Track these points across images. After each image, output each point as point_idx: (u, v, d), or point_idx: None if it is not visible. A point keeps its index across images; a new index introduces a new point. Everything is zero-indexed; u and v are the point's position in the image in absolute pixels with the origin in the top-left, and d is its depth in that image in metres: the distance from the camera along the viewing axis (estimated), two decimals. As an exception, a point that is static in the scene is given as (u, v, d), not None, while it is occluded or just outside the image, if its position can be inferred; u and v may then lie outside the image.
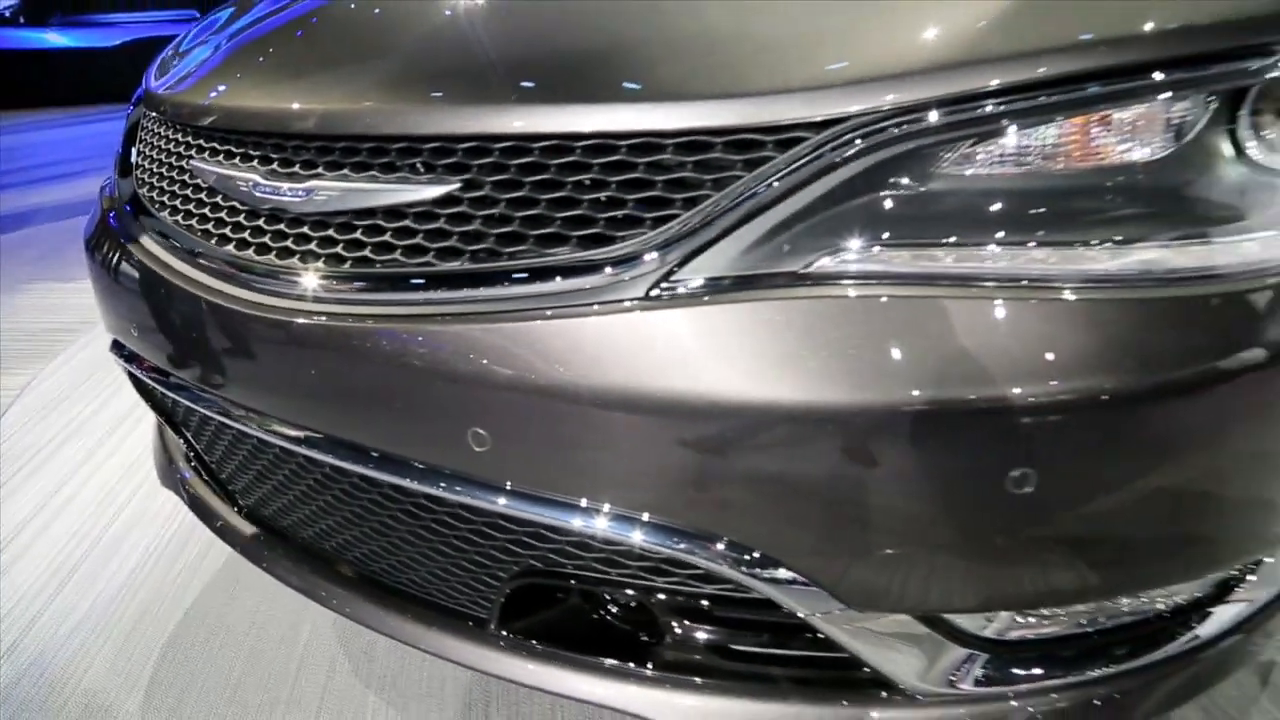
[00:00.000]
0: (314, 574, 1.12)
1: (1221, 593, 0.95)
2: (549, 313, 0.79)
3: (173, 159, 1.14)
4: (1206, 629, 0.94)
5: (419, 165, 0.87)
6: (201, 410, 1.08)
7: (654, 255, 0.78)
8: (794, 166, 0.77)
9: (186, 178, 1.11)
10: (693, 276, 0.78)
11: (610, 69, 0.83)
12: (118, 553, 1.77)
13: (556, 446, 0.80)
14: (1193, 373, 0.75)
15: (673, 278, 0.78)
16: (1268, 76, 0.78)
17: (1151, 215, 0.78)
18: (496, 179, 0.83)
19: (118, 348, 1.29)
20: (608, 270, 0.80)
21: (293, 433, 0.96)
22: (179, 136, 1.13)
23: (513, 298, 0.81)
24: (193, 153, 1.09)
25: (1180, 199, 0.79)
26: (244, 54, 1.14)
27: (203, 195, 1.08)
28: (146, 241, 1.13)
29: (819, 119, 0.76)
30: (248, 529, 1.24)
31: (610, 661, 0.95)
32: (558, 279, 0.80)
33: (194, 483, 1.35)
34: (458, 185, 0.85)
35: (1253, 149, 0.80)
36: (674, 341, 0.76)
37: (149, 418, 2.29)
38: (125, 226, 1.19)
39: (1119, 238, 0.77)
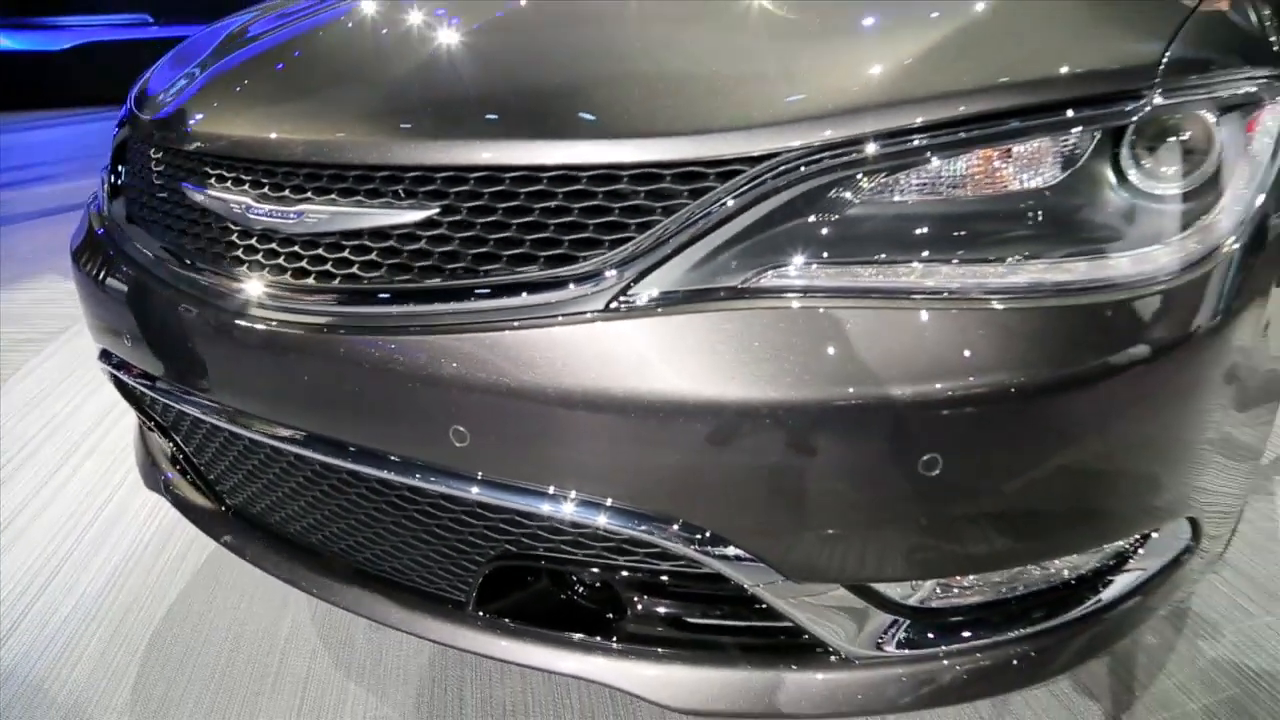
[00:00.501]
0: (301, 566, 1.21)
1: (1119, 563, 1.08)
2: (520, 323, 0.90)
3: (163, 181, 1.22)
4: (1107, 594, 1.07)
5: (401, 192, 0.97)
6: (194, 414, 1.16)
7: (613, 273, 0.89)
8: (733, 195, 0.88)
9: (178, 200, 1.19)
10: (647, 291, 0.89)
11: (572, 108, 0.94)
12: (103, 546, 1.83)
13: (528, 441, 0.90)
14: (1082, 371, 0.88)
15: (629, 292, 0.89)
16: (1139, 116, 0.91)
17: (1046, 235, 0.90)
18: (472, 204, 0.94)
19: (106, 356, 1.37)
20: (571, 286, 0.90)
21: (286, 433, 1.05)
22: (171, 160, 1.21)
23: (487, 310, 0.92)
24: (184, 176, 1.17)
25: (1071, 220, 0.91)
26: (237, 84, 1.23)
27: (195, 216, 1.16)
28: (140, 258, 1.21)
29: (755, 154, 0.88)
30: (235, 526, 1.32)
31: (578, 636, 1.05)
32: (525, 294, 0.91)
33: (179, 483, 1.43)
34: (437, 210, 0.95)
35: (1132, 176, 0.93)
36: (631, 348, 0.87)
37: (125, 420, 2.35)
38: (118, 243, 1.27)
39: (1019, 255, 0.89)
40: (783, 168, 0.88)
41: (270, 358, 1.03)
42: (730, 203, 0.88)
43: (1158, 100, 0.91)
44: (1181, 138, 0.94)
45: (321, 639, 1.58)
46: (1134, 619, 1.08)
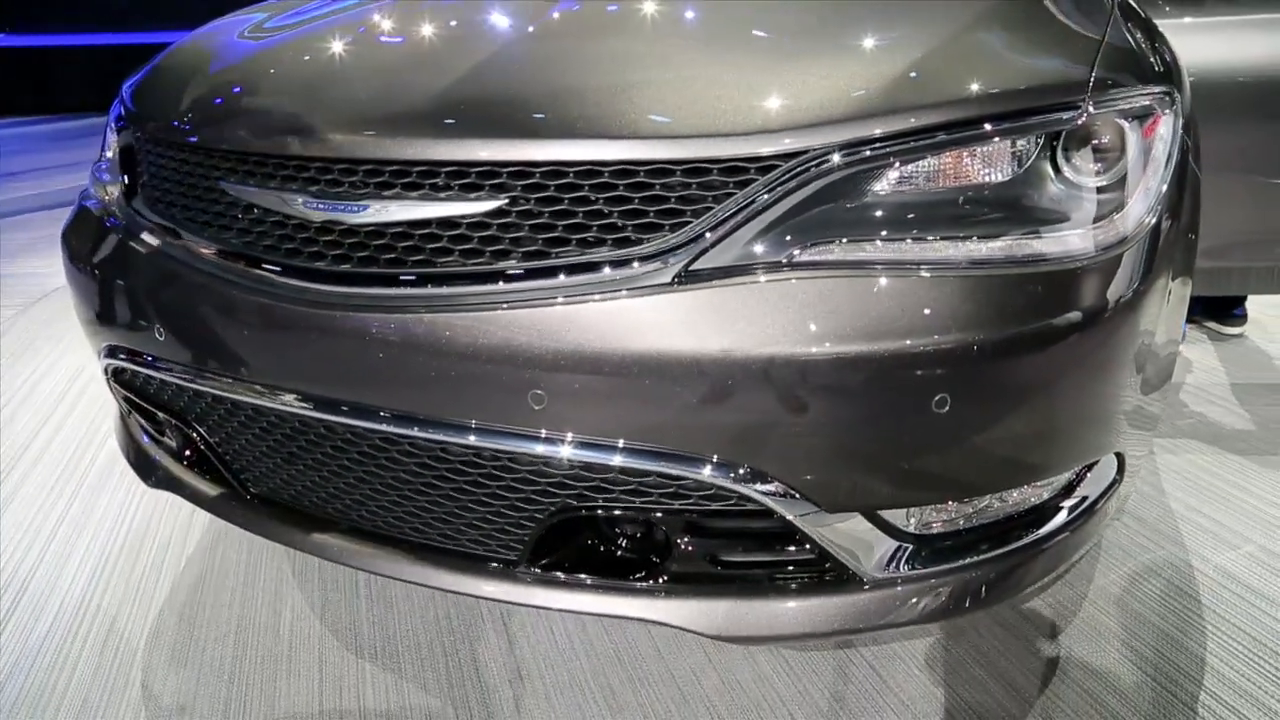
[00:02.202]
0: (354, 543, 1.28)
1: (1067, 491, 1.30)
2: (596, 298, 1.03)
3: (205, 181, 1.28)
4: (1060, 519, 1.28)
5: (489, 184, 1.08)
6: (243, 401, 1.22)
7: (677, 252, 1.05)
8: (770, 186, 1.05)
9: (230, 199, 1.25)
10: (704, 266, 1.04)
11: (632, 110, 1.09)
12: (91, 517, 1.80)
13: (601, 400, 1.03)
14: (1037, 325, 1.08)
15: (690, 267, 1.04)
16: (1074, 124, 1.13)
17: (1006, 218, 1.11)
18: (541, 195, 1.07)
19: (113, 351, 1.39)
20: (639, 264, 1.05)
21: (358, 412, 1.14)
22: (209, 161, 1.27)
23: (565, 286, 1.05)
24: (228, 174, 1.24)
25: (1024, 207, 1.13)
26: (292, 81, 1.30)
27: (249, 214, 1.23)
28: (183, 255, 1.26)
29: (788, 151, 1.05)
30: (262, 509, 1.37)
31: (622, 581, 1.18)
32: (601, 270, 1.05)
33: (187, 476, 1.46)
34: (505, 200, 1.07)
35: (1066, 171, 1.15)
36: (695, 314, 1.02)
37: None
38: (149, 241, 1.31)
39: (986, 233, 1.09)
40: (811, 163, 1.05)
41: (346, 340, 1.11)
42: (768, 193, 1.05)
43: (1090, 110, 1.14)
44: (1103, 141, 1.17)
45: (326, 625, 1.63)
46: (1080, 539, 1.30)
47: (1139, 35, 1.39)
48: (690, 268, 1.04)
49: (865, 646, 1.55)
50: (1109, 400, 1.21)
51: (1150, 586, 1.69)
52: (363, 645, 1.59)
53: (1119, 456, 1.32)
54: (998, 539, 1.24)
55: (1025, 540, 1.24)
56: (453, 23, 1.42)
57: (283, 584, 1.75)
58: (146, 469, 1.55)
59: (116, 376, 1.48)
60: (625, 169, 1.05)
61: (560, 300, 1.04)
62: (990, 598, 1.23)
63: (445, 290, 1.09)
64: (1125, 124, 1.19)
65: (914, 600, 1.19)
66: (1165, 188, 1.23)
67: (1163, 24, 1.58)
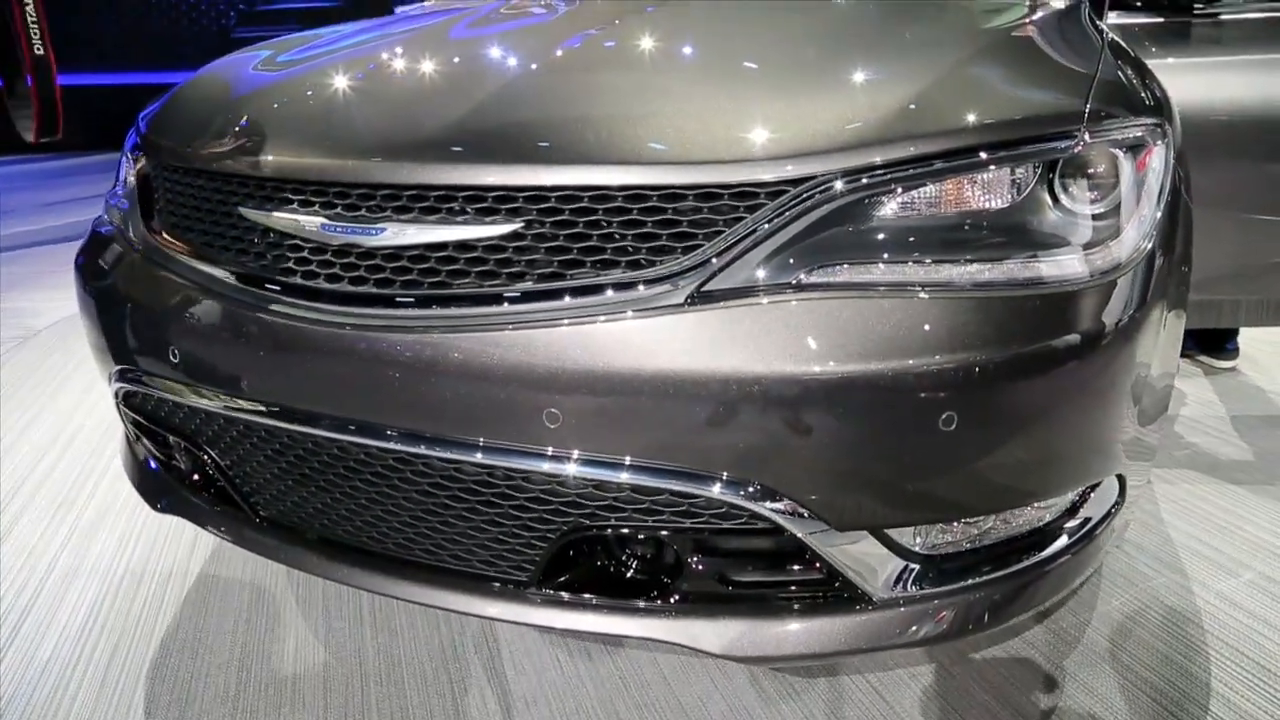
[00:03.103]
0: (363, 564, 1.29)
1: (1070, 513, 1.31)
2: (609, 318, 1.06)
3: (222, 206, 1.31)
4: (1063, 541, 1.30)
5: (505, 208, 1.11)
6: (257, 422, 1.24)
7: (689, 274, 1.07)
8: (779, 211, 1.08)
9: (247, 223, 1.27)
10: (716, 288, 1.07)
11: (644, 136, 1.12)
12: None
13: (615, 419, 1.05)
14: (1038, 345, 1.11)
15: (702, 289, 1.06)
16: (1071, 153, 1.17)
17: (1006, 243, 1.14)
18: (556, 219, 1.10)
19: (127, 376, 1.40)
20: (652, 285, 1.07)
21: (371, 433, 1.15)
22: (226, 186, 1.30)
23: (579, 307, 1.07)
24: (245, 199, 1.27)
25: (1024, 232, 1.16)
26: (314, 108, 1.34)
27: (265, 238, 1.25)
28: (202, 279, 1.29)
29: (796, 177, 1.08)
30: (271, 532, 1.38)
31: (634, 602, 1.19)
32: (613, 292, 1.07)
33: (201, 497, 1.46)
34: (521, 224, 1.10)
35: (1063, 199, 1.19)
36: (707, 334, 1.04)
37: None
38: (168, 266, 1.34)
39: (987, 256, 1.13)
40: (817, 189, 1.08)
41: (359, 362, 1.13)
42: (776, 217, 1.08)
43: (1086, 139, 1.18)
44: (1099, 170, 1.21)
45: (330, 653, 1.62)
46: (1084, 561, 1.32)
47: (1130, 71, 1.44)
48: (702, 289, 1.07)
49: (870, 671, 1.55)
50: (1109, 421, 1.23)
51: (1152, 612, 1.70)
52: (368, 673, 1.58)
53: (1120, 479, 1.34)
54: (1003, 560, 1.26)
55: (1031, 561, 1.25)
56: (467, 55, 1.46)
57: (286, 612, 1.74)
58: (153, 493, 1.56)
59: (126, 400, 1.49)
60: (638, 193, 1.08)
61: (574, 321, 1.06)
62: (997, 618, 1.24)
63: (460, 311, 1.11)
64: (1119, 154, 1.23)
65: (921, 620, 1.20)
66: (1159, 216, 1.27)
67: (1150, 64, 1.64)
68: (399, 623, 1.70)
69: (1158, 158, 1.30)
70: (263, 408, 1.23)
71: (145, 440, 1.56)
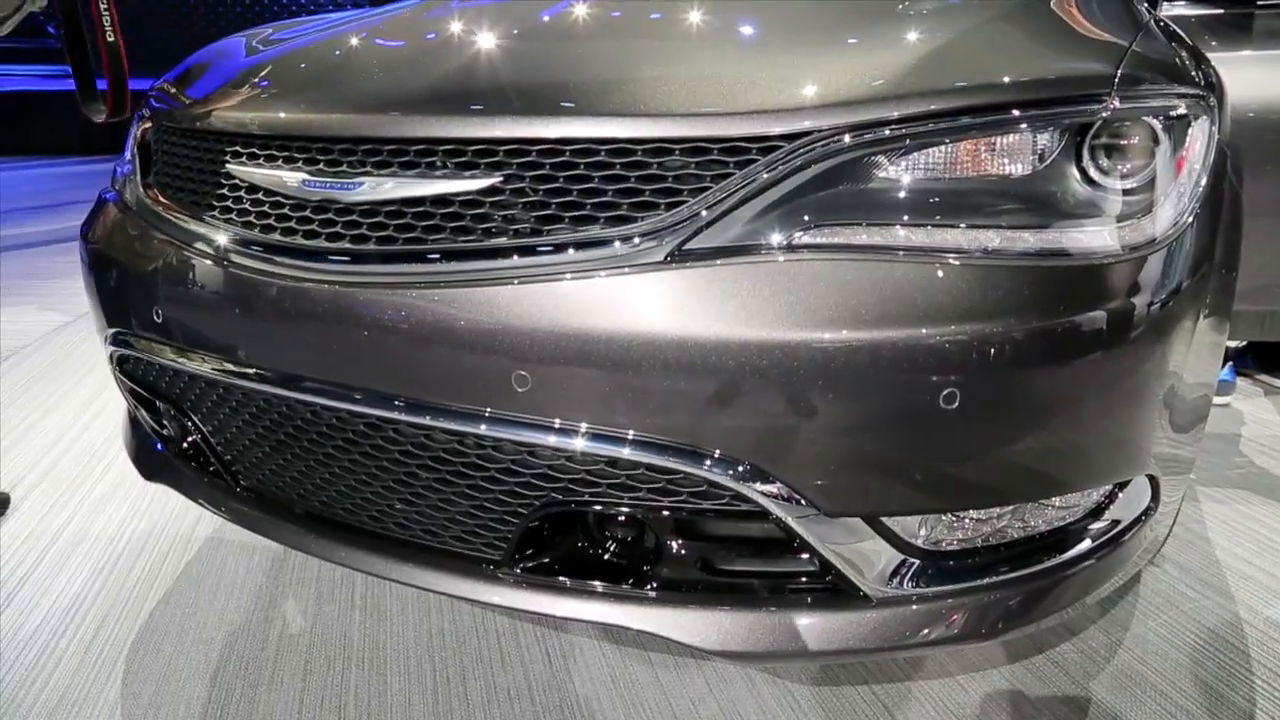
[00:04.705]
0: (336, 536, 1.24)
1: (1096, 514, 1.20)
2: (583, 275, 0.99)
3: (210, 164, 1.28)
4: (1086, 543, 1.19)
5: (484, 162, 1.06)
6: (235, 383, 1.20)
7: (671, 231, 1.00)
8: (771, 167, 1.01)
9: (232, 180, 1.25)
10: (699, 246, 0.99)
11: (628, 89, 1.06)
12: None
13: (589, 381, 0.99)
14: (1051, 321, 1.01)
15: (684, 247, 0.99)
16: (1100, 117, 1.08)
17: (1021, 209, 1.05)
18: (536, 174, 1.04)
19: (121, 339, 1.38)
20: (627, 243, 1.00)
21: (342, 393, 1.10)
22: (215, 144, 1.28)
23: (556, 264, 1.01)
24: (231, 156, 1.24)
25: (1042, 199, 1.07)
26: (297, 74, 1.30)
27: (251, 194, 1.22)
28: (188, 237, 1.26)
29: (791, 132, 1.01)
30: (250, 502, 1.34)
31: (611, 586, 1.12)
32: (593, 249, 1.01)
33: (188, 466, 1.43)
34: (500, 178, 1.04)
35: (1090, 168, 1.09)
36: (687, 294, 0.97)
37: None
38: (157, 226, 1.31)
39: (999, 223, 1.03)
40: (815, 145, 1.01)
41: (330, 320, 1.09)
42: (768, 174, 1.00)
43: (1116, 104, 1.08)
44: (1132, 140, 1.11)
45: (315, 635, 1.58)
46: (1110, 567, 1.20)
47: (1172, 45, 1.33)
48: (684, 247, 1.00)
49: (876, 682, 1.45)
50: (1133, 411, 1.12)
51: (1193, 636, 1.56)
52: (351, 656, 1.53)
53: (1152, 481, 1.23)
54: (1019, 560, 1.16)
55: (1050, 563, 1.15)
56: (451, 22, 1.42)
57: (278, 593, 1.70)
58: (145, 463, 1.54)
59: (120, 365, 1.47)
60: (622, 147, 1.02)
61: (547, 278, 1.00)
62: (1013, 624, 1.14)
63: (430, 268, 1.06)
64: (1155, 124, 1.13)
65: (925, 622, 1.11)
66: (1198, 196, 1.16)
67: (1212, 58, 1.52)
68: (390, 607, 1.65)
69: (1199, 132, 1.19)
70: (240, 370, 1.20)
71: (138, 407, 1.54)
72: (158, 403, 1.45)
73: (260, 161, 1.21)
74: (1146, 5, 1.54)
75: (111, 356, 1.46)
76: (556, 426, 1.01)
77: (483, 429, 1.04)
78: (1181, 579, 1.73)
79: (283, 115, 1.18)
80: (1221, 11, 2.16)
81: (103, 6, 3.76)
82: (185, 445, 1.45)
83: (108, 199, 1.53)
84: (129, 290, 1.34)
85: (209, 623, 1.61)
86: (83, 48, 3.81)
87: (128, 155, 1.56)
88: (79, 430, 2.44)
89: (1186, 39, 1.48)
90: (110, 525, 1.94)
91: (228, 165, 1.25)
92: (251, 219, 1.22)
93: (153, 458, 1.52)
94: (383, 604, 1.66)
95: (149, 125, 1.49)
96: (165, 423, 1.49)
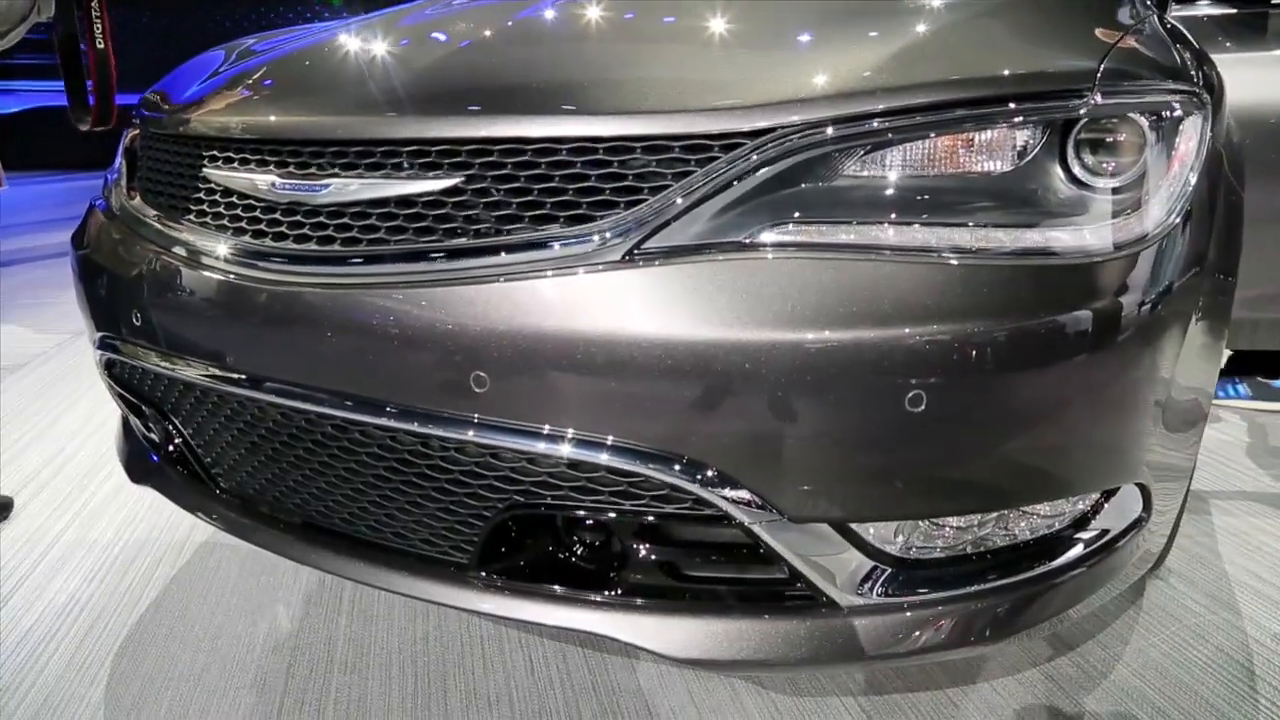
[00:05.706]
0: (308, 539, 1.24)
1: (1081, 523, 1.17)
2: (543, 274, 0.98)
3: (186, 169, 1.30)
4: (1073, 553, 1.15)
5: (447, 163, 1.05)
6: (214, 387, 1.20)
7: (629, 229, 0.99)
8: (733, 164, 0.99)
9: (208, 184, 1.26)
10: (659, 244, 0.98)
11: (591, 88, 1.05)
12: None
13: (546, 382, 0.97)
14: (1028, 323, 0.98)
15: (643, 245, 0.98)
16: (1080, 113, 1.05)
17: (1000, 208, 1.02)
18: (496, 173, 1.03)
19: (107, 343, 1.39)
20: (579, 242, 0.99)
21: (307, 395, 1.10)
22: (192, 149, 1.29)
23: (514, 264, 1.00)
24: (206, 161, 1.25)
25: (1023, 200, 1.04)
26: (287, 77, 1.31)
27: (225, 198, 1.23)
28: (167, 242, 1.27)
29: (753, 129, 0.99)
30: (227, 504, 1.34)
31: (577, 591, 1.10)
32: (550, 247, 1.00)
33: (173, 469, 1.44)
34: (461, 179, 1.04)
35: (1075, 168, 1.06)
36: (646, 293, 0.96)
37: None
38: (138, 230, 1.33)
39: (968, 222, 1.01)
40: (779, 141, 0.99)
41: (297, 322, 1.09)
42: (730, 171, 0.99)
43: (1098, 99, 1.05)
44: (1118, 136, 1.08)
45: (300, 639, 1.57)
46: (1099, 577, 1.16)
47: (1167, 41, 1.30)
48: (643, 245, 0.98)
49: (863, 694, 1.41)
50: (1119, 417, 1.09)
51: (1196, 652, 1.50)
52: (334, 660, 1.52)
53: (1143, 489, 1.18)
54: (1002, 568, 1.12)
55: (1034, 572, 1.11)
56: (421, 29, 1.43)
57: (268, 597, 1.70)
58: (133, 467, 1.55)
59: (108, 370, 1.48)
60: (582, 145, 1.01)
61: (505, 278, 0.99)
62: (998, 633, 1.10)
63: (391, 269, 1.05)
64: (1142, 120, 1.09)
65: (903, 631, 1.08)
66: (1188, 195, 1.13)
67: (1222, 59, 1.47)
68: (377, 611, 1.65)
69: (1191, 130, 1.16)
70: (214, 373, 1.20)
71: (127, 411, 1.56)
72: (143, 407, 1.46)
73: (234, 165, 1.22)
74: (1147, 5, 1.50)
75: (99, 360, 1.47)
76: (516, 428, 1.00)
77: (444, 430, 1.03)
78: (1187, 593, 1.67)
79: (253, 119, 1.19)
80: (1235, 12, 2.12)
81: (94, 14, 3.83)
82: (170, 449, 1.46)
83: (96, 206, 1.55)
84: (112, 294, 1.35)
85: (197, 626, 1.61)
86: (77, 60, 3.90)
87: (116, 163, 1.58)
88: (83, 439, 2.48)
89: (1190, 39, 1.44)
90: (108, 531, 1.96)
91: (203, 169, 1.26)
92: (225, 222, 1.22)
93: (141, 462, 1.53)
94: (370, 608, 1.65)
95: (136, 133, 1.51)
96: (151, 426, 1.50)
